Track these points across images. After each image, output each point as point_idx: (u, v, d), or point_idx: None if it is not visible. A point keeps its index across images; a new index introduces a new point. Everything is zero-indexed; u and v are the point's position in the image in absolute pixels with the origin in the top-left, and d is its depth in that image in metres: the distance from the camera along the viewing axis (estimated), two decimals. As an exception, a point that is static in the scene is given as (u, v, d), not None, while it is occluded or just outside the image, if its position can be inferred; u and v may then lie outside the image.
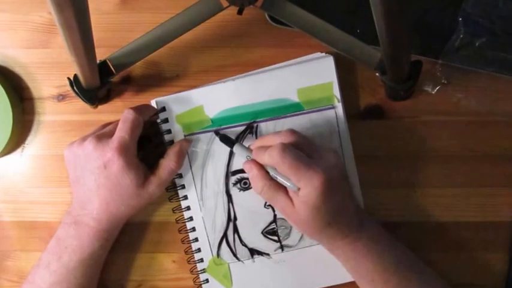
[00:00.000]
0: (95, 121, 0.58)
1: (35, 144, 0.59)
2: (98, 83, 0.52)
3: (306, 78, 0.56)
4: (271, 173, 0.50)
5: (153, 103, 0.56)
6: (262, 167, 0.50)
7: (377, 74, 0.52)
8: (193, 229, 0.58)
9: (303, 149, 0.49)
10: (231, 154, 0.57)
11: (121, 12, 0.58)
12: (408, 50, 0.46)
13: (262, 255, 0.58)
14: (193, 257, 0.58)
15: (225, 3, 0.48)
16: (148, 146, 0.57)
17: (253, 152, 0.51)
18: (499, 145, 0.58)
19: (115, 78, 0.56)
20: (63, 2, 0.34)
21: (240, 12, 0.49)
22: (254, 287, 0.58)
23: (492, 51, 0.54)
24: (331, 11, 0.56)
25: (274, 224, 0.57)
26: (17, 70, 0.59)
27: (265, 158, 0.49)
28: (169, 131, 0.56)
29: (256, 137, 0.56)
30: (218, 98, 0.56)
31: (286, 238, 0.57)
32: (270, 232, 0.57)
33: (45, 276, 0.52)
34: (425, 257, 0.54)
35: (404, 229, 0.53)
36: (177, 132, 0.57)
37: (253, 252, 0.58)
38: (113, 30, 0.58)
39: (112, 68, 0.52)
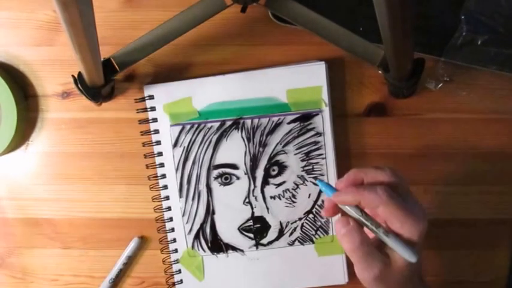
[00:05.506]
0: (98, 118, 0.59)
1: (39, 141, 0.60)
2: (102, 81, 0.52)
3: (296, 80, 0.56)
4: (367, 223, 0.43)
5: (143, 89, 0.57)
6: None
7: (380, 71, 0.52)
8: (171, 219, 0.58)
9: (399, 190, 0.44)
10: (216, 147, 0.57)
11: (125, 10, 0.58)
12: (411, 47, 0.46)
13: (236, 251, 0.58)
14: (168, 247, 0.58)
15: (228, 1, 0.48)
16: None
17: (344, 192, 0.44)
18: (502, 142, 0.58)
19: (119, 76, 0.56)
20: (68, 0, 0.34)
21: (243, 10, 0.49)
22: (226, 281, 0.58)
23: (494, 48, 0.54)
24: (334, 9, 0.56)
25: (251, 221, 0.57)
26: (22, 68, 0.59)
27: (370, 195, 0.42)
28: (155, 120, 0.57)
29: (242, 133, 0.56)
30: (207, 91, 0.56)
31: (263, 237, 0.58)
32: (246, 229, 0.58)
33: None
34: (427, 254, 0.54)
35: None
36: (164, 121, 0.57)
37: (228, 247, 0.58)
38: (117, 28, 0.58)
39: (116, 66, 0.52)
